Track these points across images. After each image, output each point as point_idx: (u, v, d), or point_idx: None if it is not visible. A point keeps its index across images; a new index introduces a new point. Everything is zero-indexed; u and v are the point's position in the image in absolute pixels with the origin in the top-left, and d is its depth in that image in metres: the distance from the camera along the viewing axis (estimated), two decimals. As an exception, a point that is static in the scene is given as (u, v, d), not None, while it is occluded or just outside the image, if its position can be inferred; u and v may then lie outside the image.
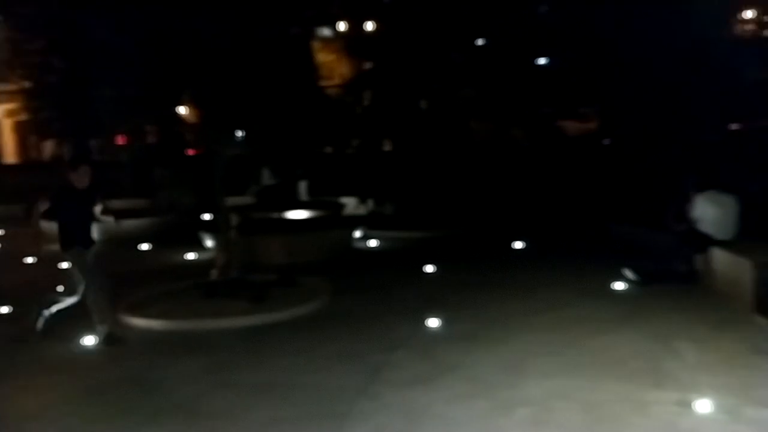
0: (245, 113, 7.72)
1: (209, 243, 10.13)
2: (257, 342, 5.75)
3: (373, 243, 10.90)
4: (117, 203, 11.82)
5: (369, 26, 22.14)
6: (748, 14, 21.68)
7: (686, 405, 3.95)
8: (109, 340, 5.69)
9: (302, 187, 14.62)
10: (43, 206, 5.98)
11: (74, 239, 5.69)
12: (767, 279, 5.74)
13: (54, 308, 5.92)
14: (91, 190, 5.82)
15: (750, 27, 22.20)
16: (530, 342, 5.37)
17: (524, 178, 15.68)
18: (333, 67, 23.50)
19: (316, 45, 23.09)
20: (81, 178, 5.72)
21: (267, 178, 15.74)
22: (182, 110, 15.09)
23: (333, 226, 11.25)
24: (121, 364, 5.34)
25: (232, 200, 10.81)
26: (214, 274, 7.45)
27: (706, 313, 5.92)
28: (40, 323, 5.91)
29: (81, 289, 5.72)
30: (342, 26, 23.27)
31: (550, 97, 19.55)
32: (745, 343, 5.08)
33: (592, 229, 10.77)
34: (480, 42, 20.64)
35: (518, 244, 9.97)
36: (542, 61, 20.61)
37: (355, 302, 7.03)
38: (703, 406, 3.89)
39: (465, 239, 11.03)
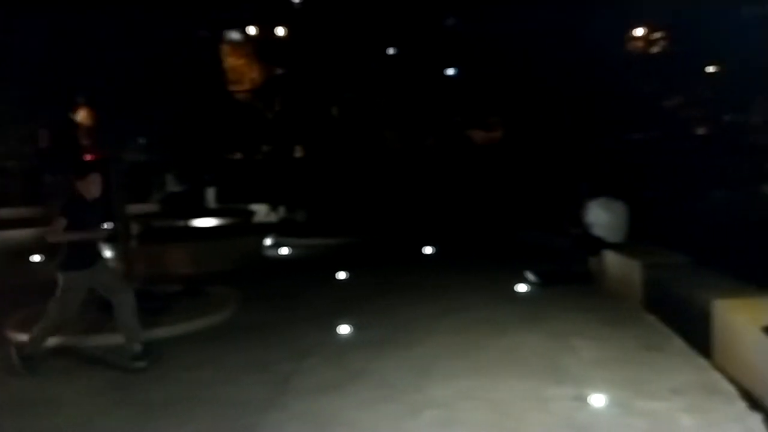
0: (147, 116, 7.38)
1: (107, 253, 9.59)
2: (160, 356, 5.50)
3: (284, 251, 10.76)
4: (4, 212, 10.97)
5: (280, 31, 21.92)
6: (639, 32, 23.33)
7: (583, 400, 4.16)
8: (25, 361, 5.08)
9: (210, 193, 14.20)
10: (62, 223, 5.01)
11: (77, 260, 5.03)
12: (654, 279, 6.18)
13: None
14: (99, 201, 5.25)
15: (640, 44, 23.90)
16: (438, 345, 5.47)
17: (435, 185, 16.05)
18: (243, 71, 23.03)
19: (225, 48, 22.56)
20: (90, 188, 5.14)
21: (172, 184, 15.15)
22: (77, 113, 14.23)
23: (242, 234, 11.00)
24: (11, 383, 4.94)
25: (134, 208, 10.30)
26: (113, 285, 7.04)
27: (601, 312, 6.28)
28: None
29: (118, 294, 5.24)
30: (252, 30, 22.87)
31: (459, 106, 20.16)
32: (635, 340, 5.42)
33: (499, 234, 11.18)
34: (391, 51, 20.98)
35: (428, 250, 10.17)
36: (451, 71, 21.23)
37: (264, 311, 6.90)
38: (598, 400, 4.11)
39: (377, 245, 11.12)
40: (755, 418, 3.76)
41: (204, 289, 7.40)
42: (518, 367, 4.85)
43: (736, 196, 15.21)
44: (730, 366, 4.41)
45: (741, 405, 3.97)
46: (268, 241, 10.87)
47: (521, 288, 7.27)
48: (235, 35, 23.72)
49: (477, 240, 11.15)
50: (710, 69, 19.91)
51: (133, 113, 6.97)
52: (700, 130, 21.14)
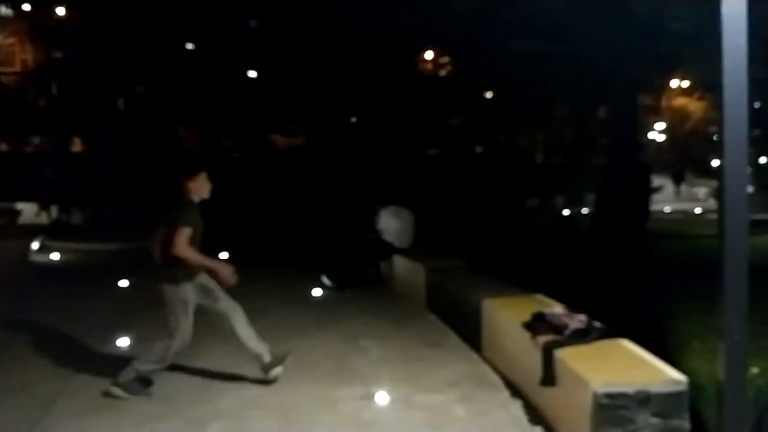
0: None
1: None
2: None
3: (55, 256, 9.57)
4: None
5: (60, 11, 19.60)
6: (429, 55, 25.23)
7: (369, 398, 4.30)
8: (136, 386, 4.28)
9: (-38, 189, 12.13)
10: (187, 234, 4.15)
11: (186, 270, 4.31)
12: (436, 281, 6.68)
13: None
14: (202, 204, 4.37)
15: (429, 66, 25.88)
16: (229, 354, 5.25)
17: (234, 188, 15.62)
18: (13, 51, 20.19)
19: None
20: (201, 189, 4.46)
21: None
22: None
23: (3, 236, 9.58)
24: None
25: None
26: None
27: (388, 313, 6.62)
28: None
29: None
30: (27, 6, 20.12)
31: (261, 110, 19.94)
32: (419, 337, 5.79)
33: (297, 240, 11.23)
34: (190, 46, 20.01)
35: (224, 255, 9.82)
36: (253, 74, 20.90)
37: (26, 325, 6.05)
38: (383, 397, 4.29)
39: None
40: (517, 405, 4.22)
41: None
42: (310, 371, 4.87)
43: (507, 209, 17.27)
44: (497, 358, 4.93)
45: (505, 393, 4.44)
46: (35, 245, 9.59)
47: (317, 292, 7.37)
48: (4, 10, 20.69)
49: (276, 245, 11.07)
50: (488, 95, 22.27)
51: None
52: (479, 149, 23.60)
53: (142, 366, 4.30)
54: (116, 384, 4.25)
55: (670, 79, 21.61)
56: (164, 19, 17.11)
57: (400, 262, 7.65)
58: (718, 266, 3.10)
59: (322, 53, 16.85)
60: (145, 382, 4.34)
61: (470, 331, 5.45)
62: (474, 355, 5.26)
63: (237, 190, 15.70)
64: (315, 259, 9.45)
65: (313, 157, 18.57)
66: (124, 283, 7.76)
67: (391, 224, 7.79)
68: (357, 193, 11.87)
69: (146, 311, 6.54)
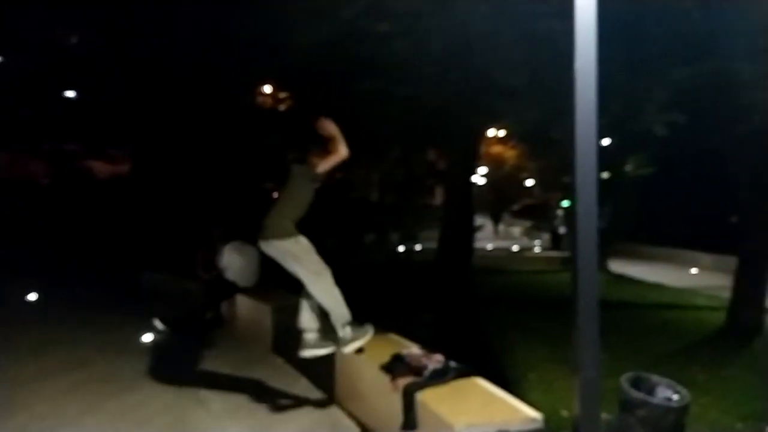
0: None
1: None
2: None
3: None
4: None
5: None
6: (267, 89, 24.94)
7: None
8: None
9: None
10: None
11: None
12: (283, 322, 6.34)
13: None
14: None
15: (269, 100, 25.54)
16: (38, 414, 4.49)
17: (43, 221, 13.92)
18: None
19: None
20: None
21: None
22: None
23: None
24: None
25: None
26: None
27: (231, 357, 6.14)
28: None
29: None
30: None
31: (78, 133, 18.13)
32: (264, 383, 5.40)
33: (120, 279, 10.13)
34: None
35: (32, 296, 8.56)
36: (71, 93, 19.00)
37: None
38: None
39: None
40: (372, 451, 4.08)
41: None
42: (141, 429, 4.30)
43: (345, 245, 17.42)
44: (351, 403, 4.73)
45: (360, 439, 4.27)
46: None
47: (147, 338, 6.62)
48: None
49: (95, 284, 9.87)
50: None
51: None
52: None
53: (341, 320, 4.35)
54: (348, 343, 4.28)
55: (489, 128, 23.63)
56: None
57: (243, 302, 7.20)
58: (569, 305, 3.25)
59: (151, 76, 15.81)
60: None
61: (322, 375, 5.20)
62: (327, 400, 5.02)
63: (47, 222, 13.97)
64: (143, 299, 8.57)
65: (140, 185, 17.17)
66: None
67: (234, 261, 7.26)
68: (191, 226, 11.08)
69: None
